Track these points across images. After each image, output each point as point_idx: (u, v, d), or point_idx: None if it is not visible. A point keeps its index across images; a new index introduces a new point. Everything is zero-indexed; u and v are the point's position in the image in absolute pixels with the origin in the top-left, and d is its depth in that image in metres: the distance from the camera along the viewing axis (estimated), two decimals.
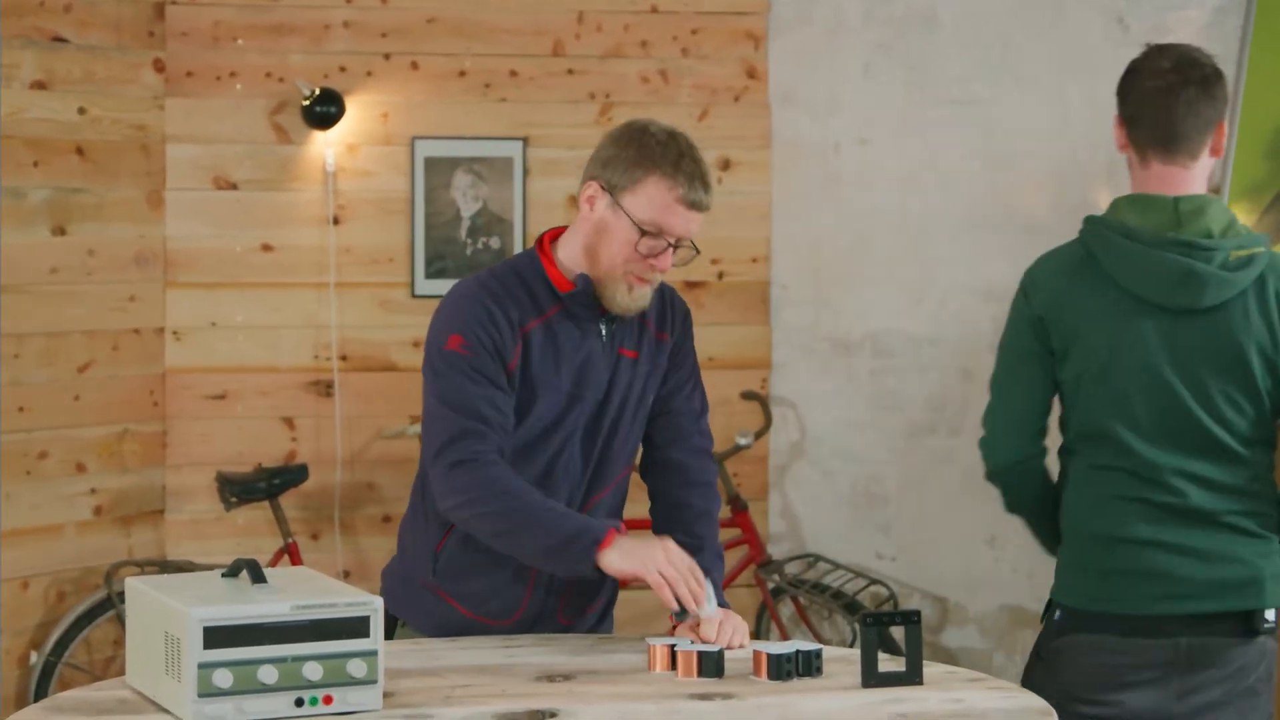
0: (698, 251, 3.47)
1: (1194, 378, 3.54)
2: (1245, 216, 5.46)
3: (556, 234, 3.56)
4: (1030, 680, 3.62)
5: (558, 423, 3.48)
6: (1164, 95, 3.59)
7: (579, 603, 3.59)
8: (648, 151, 3.40)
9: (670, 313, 3.61)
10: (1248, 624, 3.53)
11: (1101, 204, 5.93)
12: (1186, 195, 3.57)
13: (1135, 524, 3.56)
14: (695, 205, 3.40)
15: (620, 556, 3.31)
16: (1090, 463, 3.63)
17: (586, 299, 3.46)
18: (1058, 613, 3.65)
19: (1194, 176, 3.60)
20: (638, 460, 3.69)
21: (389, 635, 3.54)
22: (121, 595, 5.59)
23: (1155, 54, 3.63)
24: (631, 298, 3.45)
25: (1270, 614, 3.54)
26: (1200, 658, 3.54)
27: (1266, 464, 3.59)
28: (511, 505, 3.36)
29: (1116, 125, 3.68)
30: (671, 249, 3.42)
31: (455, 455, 3.38)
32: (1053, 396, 3.70)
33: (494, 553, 3.46)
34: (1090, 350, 3.60)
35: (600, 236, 3.43)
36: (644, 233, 3.39)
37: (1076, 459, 3.67)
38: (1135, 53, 5.82)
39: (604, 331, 3.51)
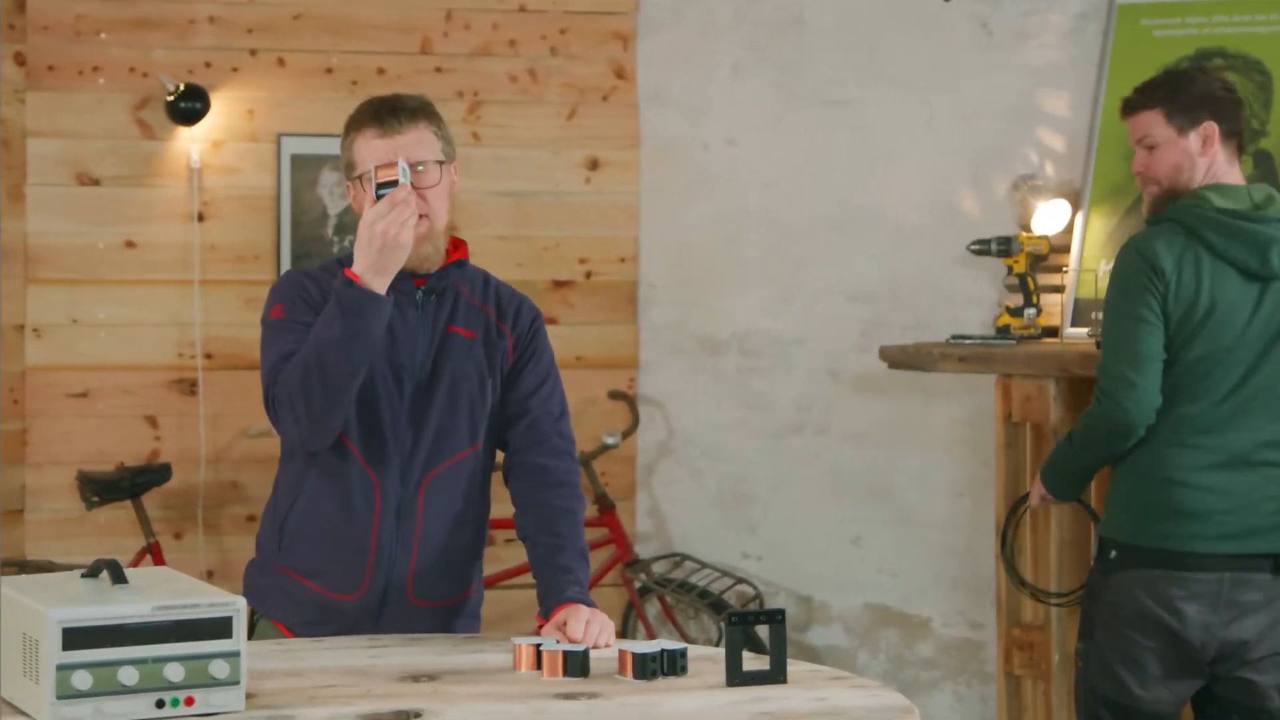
0: (444, 160, 3.56)
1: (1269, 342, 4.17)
2: (1106, 219, 5.53)
3: None
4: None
5: (369, 377, 3.51)
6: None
7: (429, 580, 3.59)
8: (347, 127, 3.60)
9: (514, 308, 3.69)
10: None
11: (967, 206, 6.00)
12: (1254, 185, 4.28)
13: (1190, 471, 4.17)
14: (390, 129, 3.53)
15: (360, 256, 3.38)
16: (1176, 414, 4.18)
17: None
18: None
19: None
20: (499, 460, 3.70)
21: (249, 634, 3.53)
22: None
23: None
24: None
25: None
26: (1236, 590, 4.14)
27: None
28: (302, 356, 3.43)
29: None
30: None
31: (271, 387, 3.50)
32: None
33: (333, 521, 3.55)
34: (1196, 319, 4.17)
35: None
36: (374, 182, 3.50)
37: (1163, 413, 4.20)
38: (999, 56, 5.95)
39: (419, 301, 3.59)
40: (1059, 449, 4.46)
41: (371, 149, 3.53)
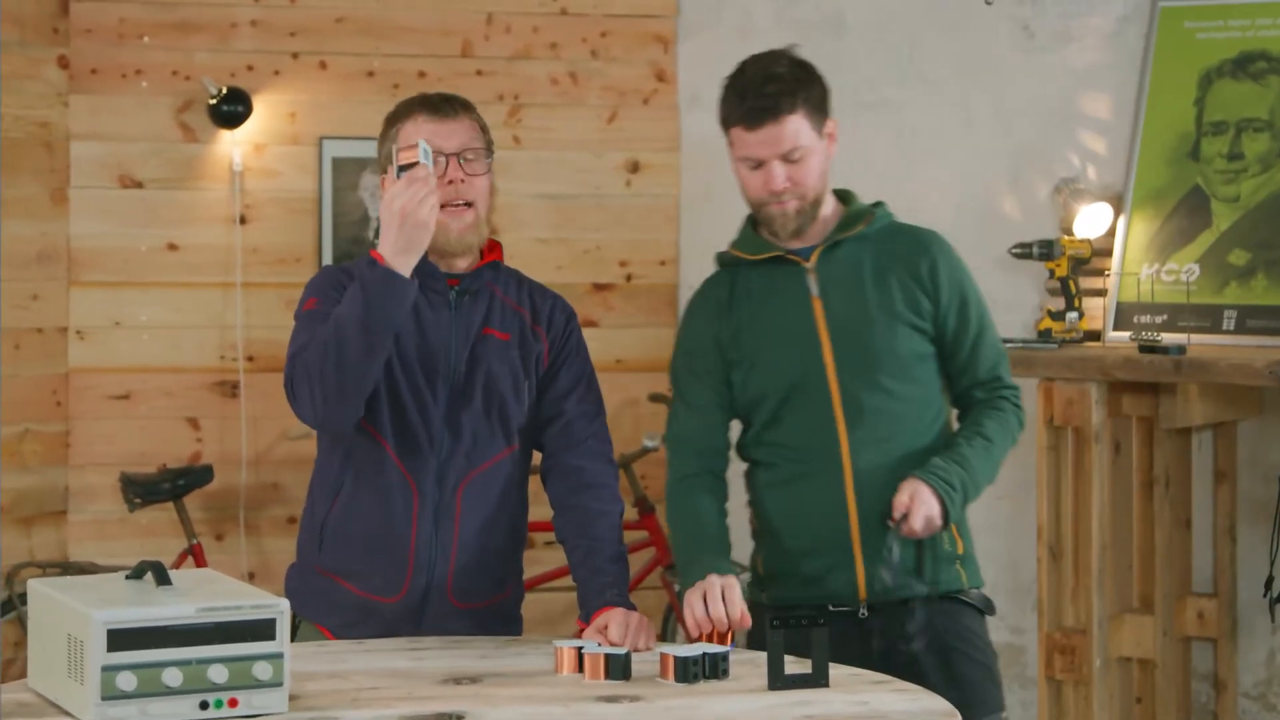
0: (490, 155, 3.59)
1: None
2: (1148, 222, 5.50)
3: None
4: None
5: (397, 379, 3.52)
6: None
7: (469, 581, 3.59)
8: (392, 118, 3.61)
9: (549, 310, 3.68)
10: None
11: (1007, 208, 5.98)
12: None
13: None
14: (444, 114, 3.55)
15: (384, 236, 3.38)
16: None
17: (425, 266, 3.52)
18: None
19: None
20: (537, 462, 3.70)
21: (291, 637, 3.54)
22: (23, 597, 5.54)
23: None
24: (449, 232, 3.53)
25: None
26: None
27: None
28: (323, 334, 3.42)
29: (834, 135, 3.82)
30: (447, 163, 3.52)
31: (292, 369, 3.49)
32: None
33: (371, 523, 3.54)
34: None
35: None
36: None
37: None
38: (1040, 58, 5.93)
39: (453, 302, 3.58)
40: (983, 452, 3.64)
41: (421, 132, 3.53)
